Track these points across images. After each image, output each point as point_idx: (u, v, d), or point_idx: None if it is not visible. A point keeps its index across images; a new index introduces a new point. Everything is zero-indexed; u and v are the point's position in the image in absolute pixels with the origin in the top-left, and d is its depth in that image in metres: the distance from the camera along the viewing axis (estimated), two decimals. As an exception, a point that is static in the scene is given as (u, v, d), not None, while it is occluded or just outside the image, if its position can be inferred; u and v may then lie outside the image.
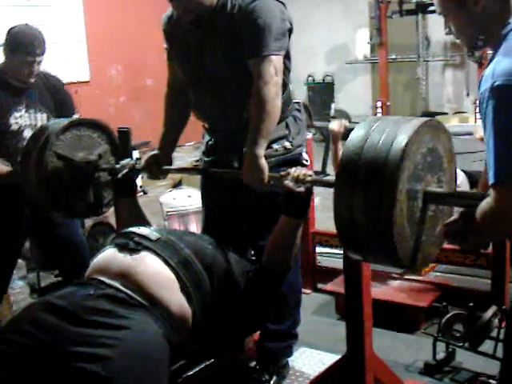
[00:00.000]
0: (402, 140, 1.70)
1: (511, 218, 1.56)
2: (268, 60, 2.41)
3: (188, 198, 4.68)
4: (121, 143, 2.95)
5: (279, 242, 2.29)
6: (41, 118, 3.24)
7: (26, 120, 3.20)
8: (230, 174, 2.57)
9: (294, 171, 2.20)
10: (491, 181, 1.57)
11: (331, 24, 10.28)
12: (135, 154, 5.83)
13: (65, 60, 7.83)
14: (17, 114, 3.18)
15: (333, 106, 9.10)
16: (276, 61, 2.44)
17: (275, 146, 2.63)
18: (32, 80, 3.16)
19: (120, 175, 2.62)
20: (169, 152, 2.79)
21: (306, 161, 2.78)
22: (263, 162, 2.39)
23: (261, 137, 2.40)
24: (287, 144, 2.67)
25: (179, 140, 2.83)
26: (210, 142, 2.82)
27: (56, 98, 3.32)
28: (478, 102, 1.68)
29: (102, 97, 8.26)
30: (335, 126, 3.58)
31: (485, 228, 1.63)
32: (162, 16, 2.73)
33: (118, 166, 2.69)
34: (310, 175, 2.19)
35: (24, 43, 3.07)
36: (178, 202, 4.67)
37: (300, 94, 10.27)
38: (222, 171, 2.63)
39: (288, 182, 2.18)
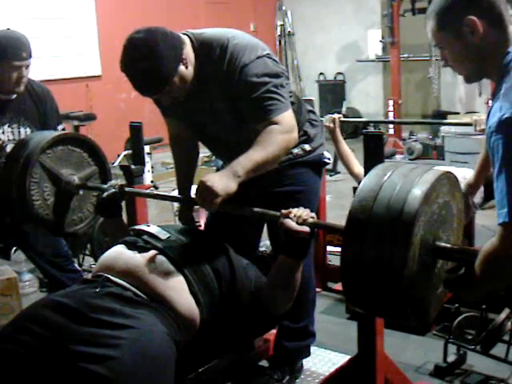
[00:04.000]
0: (423, 184, 1.67)
1: None
2: (278, 120, 2.27)
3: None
4: (133, 138, 2.92)
5: (278, 282, 2.18)
6: (24, 133, 3.11)
7: (9, 135, 3.09)
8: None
9: (297, 211, 2.05)
10: (502, 219, 1.48)
11: (343, 22, 10.28)
12: (146, 149, 5.83)
13: (78, 54, 7.86)
14: None
15: (344, 104, 9.08)
16: (287, 116, 2.30)
17: (295, 151, 2.56)
18: (21, 88, 3.04)
19: (105, 195, 2.49)
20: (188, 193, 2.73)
21: (329, 159, 2.76)
22: (232, 185, 2.17)
23: (243, 171, 2.19)
24: (306, 146, 2.61)
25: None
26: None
27: (41, 108, 3.20)
28: (486, 135, 1.58)
29: (113, 92, 8.25)
30: (328, 122, 3.56)
31: (487, 271, 1.55)
32: None
33: (105, 186, 2.59)
34: (313, 217, 2.06)
35: (8, 48, 2.94)
36: (189, 197, 4.65)
37: (311, 92, 10.26)
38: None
39: (289, 221, 2.03)
